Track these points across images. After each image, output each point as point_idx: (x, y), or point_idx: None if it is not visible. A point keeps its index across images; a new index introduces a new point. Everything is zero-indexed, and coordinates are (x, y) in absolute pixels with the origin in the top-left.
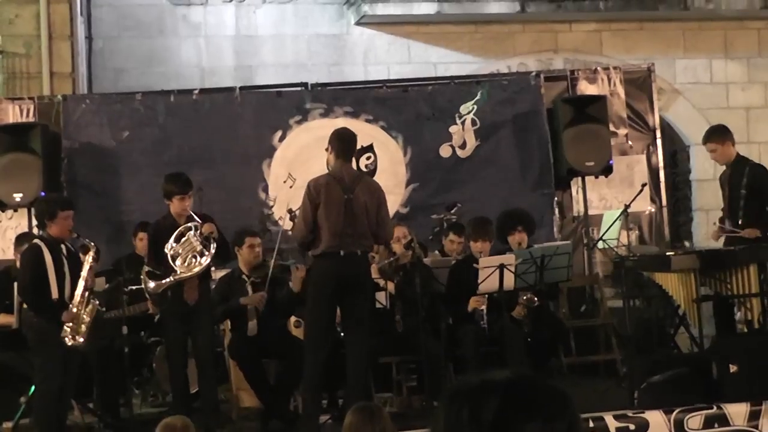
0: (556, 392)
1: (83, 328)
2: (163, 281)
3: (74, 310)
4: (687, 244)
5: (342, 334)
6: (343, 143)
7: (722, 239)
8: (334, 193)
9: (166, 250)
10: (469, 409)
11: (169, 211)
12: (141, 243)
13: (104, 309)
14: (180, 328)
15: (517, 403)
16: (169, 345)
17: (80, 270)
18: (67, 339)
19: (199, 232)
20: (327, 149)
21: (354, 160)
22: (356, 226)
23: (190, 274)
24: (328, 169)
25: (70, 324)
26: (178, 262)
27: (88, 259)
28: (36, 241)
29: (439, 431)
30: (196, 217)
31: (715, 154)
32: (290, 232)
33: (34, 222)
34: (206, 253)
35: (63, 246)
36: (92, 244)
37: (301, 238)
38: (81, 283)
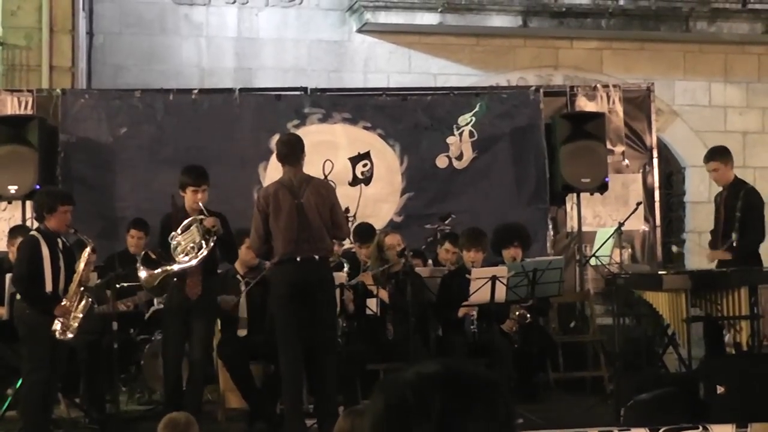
0: (489, 379)
1: (74, 323)
2: (155, 272)
3: (67, 304)
4: (675, 249)
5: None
6: (286, 147)
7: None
8: (284, 200)
9: (169, 240)
10: (415, 402)
11: (182, 204)
12: (132, 240)
13: (96, 306)
14: (179, 324)
15: (459, 394)
16: (167, 340)
17: (74, 265)
18: (57, 333)
19: (201, 224)
20: (276, 158)
21: (350, 167)
22: (311, 231)
23: (183, 266)
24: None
25: (62, 318)
26: (179, 251)
27: (84, 255)
28: (33, 233)
29: (379, 422)
30: (205, 212)
31: (716, 173)
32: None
33: (29, 214)
34: (204, 246)
35: (59, 240)
36: (90, 240)
37: (256, 250)
38: (76, 279)
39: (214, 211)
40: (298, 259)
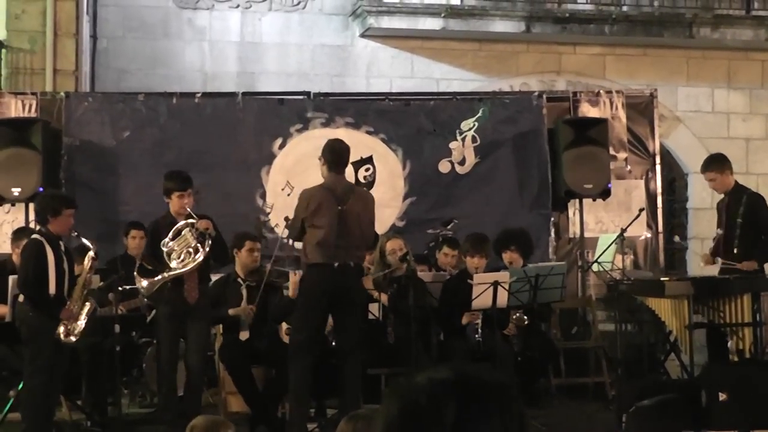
0: (501, 383)
1: (79, 326)
2: (155, 278)
3: (73, 308)
4: (677, 238)
5: (333, 344)
6: (335, 155)
7: (717, 267)
8: (327, 204)
9: (162, 247)
10: (429, 407)
11: (168, 210)
12: (133, 241)
13: (99, 308)
14: (175, 328)
15: (472, 399)
16: (162, 345)
17: (74, 268)
18: (61, 336)
19: (195, 228)
20: (320, 160)
21: (353, 171)
22: (349, 238)
23: (182, 270)
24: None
25: (66, 322)
26: (174, 257)
27: (87, 259)
28: (36, 236)
29: (393, 427)
30: (194, 216)
31: (714, 183)
32: (283, 238)
33: (32, 217)
34: (201, 249)
35: (61, 243)
36: (91, 245)
37: (290, 232)
38: (80, 282)
39: (201, 213)
40: (336, 265)
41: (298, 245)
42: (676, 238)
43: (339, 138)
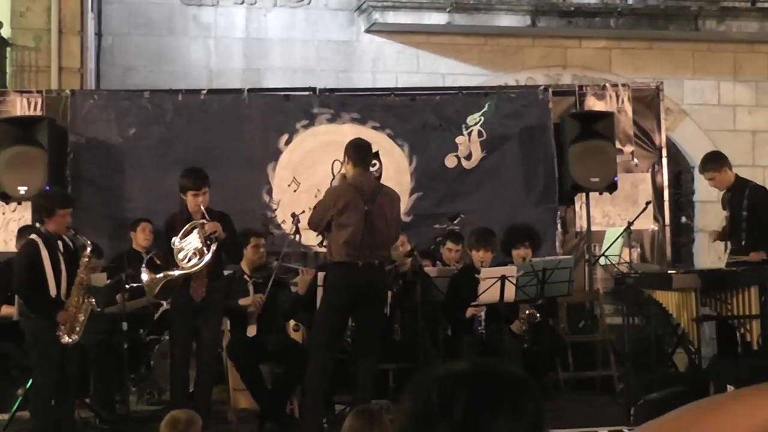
0: (520, 380)
1: (78, 326)
2: (157, 276)
3: (71, 309)
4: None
5: (349, 340)
6: (360, 152)
7: (724, 259)
8: (355, 203)
9: (172, 245)
10: (439, 400)
11: (185, 206)
12: (142, 234)
13: (99, 308)
14: (186, 325)
15: (484, 392)
16: (174, 342)
17: (77, 266)
18: (62, 337)
19: (203, 229)
20: (344, 161)
21: None
22: (375, 237)
23: (184, 272)
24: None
25: (63, 323)
26: (180, 257)
27: (83, 258)
28: (33, 236)
29: (406, 421)
30: (206, 215)
31: (713, 182)
32: (290, 234)
33: None
34: (206, 252)
35: (60, 242)
36: (88, 242)
37: (313, 225)
38: (77, 281)
39: (217, 211)
40: (360, 264)
41: (306, 242)
42: (683, 219)
43: (359, 137)
